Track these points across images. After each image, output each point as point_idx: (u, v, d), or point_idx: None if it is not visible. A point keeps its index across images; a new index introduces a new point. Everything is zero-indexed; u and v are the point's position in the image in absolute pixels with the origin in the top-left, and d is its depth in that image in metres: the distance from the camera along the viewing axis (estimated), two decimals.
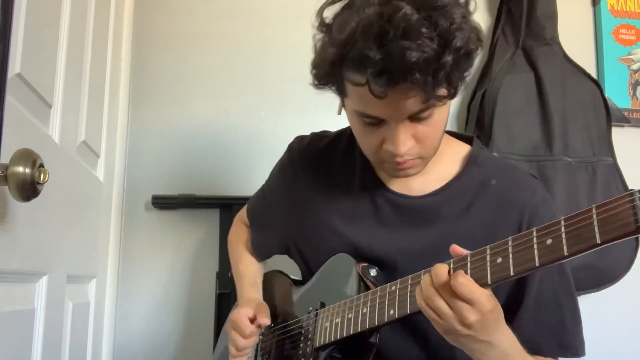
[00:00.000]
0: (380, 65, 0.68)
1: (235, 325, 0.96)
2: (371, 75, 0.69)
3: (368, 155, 0.87)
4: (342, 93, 0.81)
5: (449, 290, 0.66)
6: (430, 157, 0.85)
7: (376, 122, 0.78)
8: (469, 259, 0.68)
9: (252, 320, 0.96)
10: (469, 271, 0.67)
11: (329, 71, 0.77)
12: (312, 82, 0.83)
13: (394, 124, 0.77)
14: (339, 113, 0.90)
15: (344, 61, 0.73)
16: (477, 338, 0.67)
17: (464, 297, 0.65)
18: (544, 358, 0.82)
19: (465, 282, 0.64)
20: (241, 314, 0.96)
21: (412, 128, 0.78)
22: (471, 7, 0.74)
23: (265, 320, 0.95)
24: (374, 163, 0.89)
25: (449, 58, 0.68)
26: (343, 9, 0.75)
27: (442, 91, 0.73)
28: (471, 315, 0.65)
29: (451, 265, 0.69)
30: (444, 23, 0.68)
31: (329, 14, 0.78)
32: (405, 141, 0.77)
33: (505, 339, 0.71)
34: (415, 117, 0.76)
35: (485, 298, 0.65)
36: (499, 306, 0.69)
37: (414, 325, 0.86)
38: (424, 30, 0.67)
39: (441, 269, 0.67)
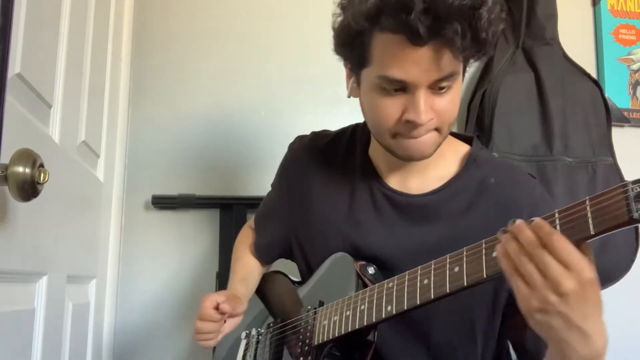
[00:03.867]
0: (424, 5, 0.69)
1: (199, 309, 0.95)
2: (416, 14, 0.69)
3: (383, 131, 0.84)
4: (363, 60, 0.80)
5: (540, 251, 0.58)
6: (444, 134, 0.84)
7: (398, 89, 0.78)
8: (465, 252, 0.68)
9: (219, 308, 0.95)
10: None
11: (363, 27, 0.76)
12: (335, 48, 0.83)
13: (416, 90, 0.77)
14: (349, 96, 0.90)
15: (382, 10, 0.72)
16: (571, 319, 0.58)
17: (561, 258, 0.57)
18: None
19: (562, 240, 0.57)
20: (207, 298, 0.95)
21: (431, 100, 0.79)
22: None
23: (226, 307, 0.92)
24: (387, 143, 0.86)
25: (484, 11, 0.71)
26: None
27: (476, 46, 0.74)
28: (567, 281, 0.56)
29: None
30: None
31: None
32: (427, 109, 0.78)
33: (603, 337, 0.60)
34: (436, 86, 0.77)
35: (585, 265, 0.57)
36: (599, 293, 0.59)
37: (416, 327, 0.86)
38: None
39: (544, 224, 0.59)
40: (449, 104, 0.80)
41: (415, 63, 0.74)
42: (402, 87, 0.78)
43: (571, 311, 0.57)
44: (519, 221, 0.61)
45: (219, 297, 0.95)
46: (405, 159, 0.87)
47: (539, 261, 0.58)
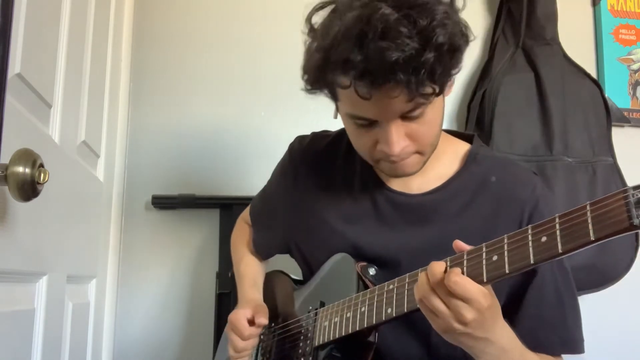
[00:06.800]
0: (361, 67, 0.69)
1: (233, 326, 0.96)
2: (354, 77, 0.70)
3: (364, 156, 0.88)
4: (333, 97, 0.82)
5: (444, 289, 0.65)
6: (429, 153, 0.85)
7: (368, 123, 0.79)
8: (465, 257, 0.68)
9: (251, 322, 0.96)
10: (465, 269, 0.67)
11: (317, 76, 0.78)
12: (305, 88, 0.83)
13: (385, 124, 0.77)
14: (335, 117, 0.90)
15: (328, 66, 0.74)
16: (474, 335, 0.67)
17: (459, 296, 0.64)
18: (545, 355, 0.82)
19: (458, 281, 0.64)
20: (239, 315, 0.96)
21: (405, 127, 0.78)
22: (458, 3, 0.75)
23: (263, 320, 0.95)
24: (372, 164, 0.89)
25: (430, 55, 0.69)
26: (329, 14, 0.77)
27: (427, 89, 0.73)
28: (468, 313, 0.65)
29: (448, 264, 0.68)
30: (423, 21, 0.69)
31: (318, 19, 0.80)
32: (399, 141, 0.78)
33: (504, 335, 0.71)
34: (406, 116, 0.77)
35: (481, 295, 0.65)
36: (497, 303, 0.68)
37: (415, 322, 0.86)
38: (402, 29, 0.68)
39: (437, 268, 0.67)
40: (425, 127, 0.80)
41: (373, 106, 0.74)
42: (372, 122, 0.78)
43: (473, 331, 0.66)
44: (432, 265, 0.68)
45: (246, 312, 0.96)
46: (392, 177, 0.90)
47: (444, 297, 0.66)
